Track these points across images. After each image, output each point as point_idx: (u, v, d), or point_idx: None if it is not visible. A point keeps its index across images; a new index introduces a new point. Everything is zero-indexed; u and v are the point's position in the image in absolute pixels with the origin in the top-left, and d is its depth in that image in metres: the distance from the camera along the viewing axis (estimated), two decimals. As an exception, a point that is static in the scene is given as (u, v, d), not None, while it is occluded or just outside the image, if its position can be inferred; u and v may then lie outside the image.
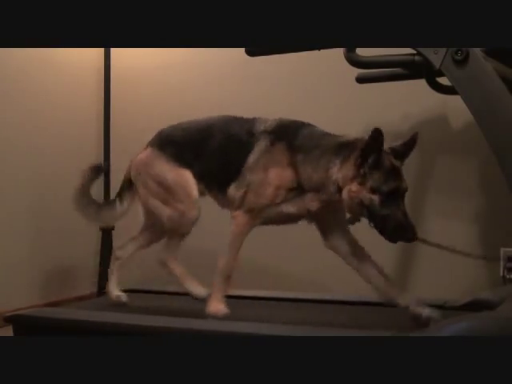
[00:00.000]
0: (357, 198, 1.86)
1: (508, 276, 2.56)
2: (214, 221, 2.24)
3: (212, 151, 2.13)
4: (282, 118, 2.09)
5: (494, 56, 2.00)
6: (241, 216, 2.03)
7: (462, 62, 1.89)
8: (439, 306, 2.20)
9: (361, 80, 2.52)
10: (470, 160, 2.71)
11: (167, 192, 2.17)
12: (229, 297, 2.08)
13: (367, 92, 2.67)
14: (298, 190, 1.98)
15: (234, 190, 2.07)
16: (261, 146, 2.03)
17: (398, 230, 1.84)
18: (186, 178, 2.16)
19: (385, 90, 2.63)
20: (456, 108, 2.43)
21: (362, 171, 1.85)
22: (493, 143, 1.91)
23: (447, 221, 2.72)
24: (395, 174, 1.86)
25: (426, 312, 1.91)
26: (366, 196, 1.84)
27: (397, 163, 1.88)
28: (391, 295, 1.99)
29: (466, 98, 1.93)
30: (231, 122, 2.15)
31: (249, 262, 2.19)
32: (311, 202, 1.98)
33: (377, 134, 1.81)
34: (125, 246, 2.39)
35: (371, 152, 1.83)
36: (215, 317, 2.00)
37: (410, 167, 1.99)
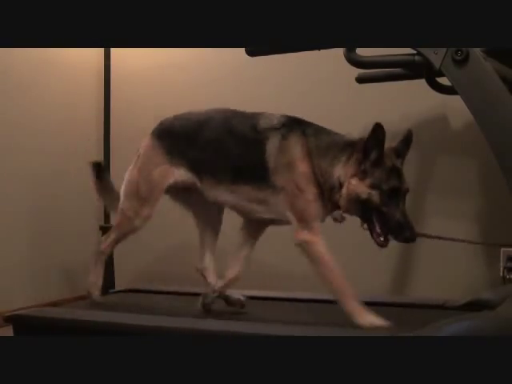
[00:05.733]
0: (354, 193, 1.86)
1: (508, 276, 2.55)
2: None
3: (211, 144, 2.11)
4: (288, 115, 2.06)
5: (494, 56, 2.00)
6: (310, 237, 1.94)
7: (462, 62, 1.89)
8: (439, 306, 2.21)
9: (361, 80, 2.52)
10: (470, 160, 2.71)
11: (138, 186, 2.18)
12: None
13: (367, 92, 2.67)
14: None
15: (262, 195, 2.02)
16: (274, 143, 2.00)
17: (397, 229, 1.84)
18: (164, 181, 2.16)
19: (385, 90, 2.63)
20: (456, 108, 2.43)
21: (362, 167, 1.85)
22: (493, 143, 1.91)
23: (447, 221, 2.71)
24: (396, 173, 1.87)
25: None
26: (365, 191, 1.85)
27: (398, 163, 1.89)
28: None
29: (466, 98, 1.93)
30: (233, 115, 2.14)
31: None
32: None
33: (378, 128, 1.82)
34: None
35: (373, 147, 1.84)
36: (373, 328, 1.83)
37: (410, 167, 1.99)
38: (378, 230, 1.86)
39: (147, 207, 2.17)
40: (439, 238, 2.00)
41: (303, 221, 1.95)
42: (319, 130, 2.01)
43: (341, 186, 1.90)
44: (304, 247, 1.95)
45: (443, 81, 2.27)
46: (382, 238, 1.87)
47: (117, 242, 2.29)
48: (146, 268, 3.15)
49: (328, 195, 1.95)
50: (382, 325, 1.83)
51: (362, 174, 1.85)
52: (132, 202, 2.20)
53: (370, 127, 1.83)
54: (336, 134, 2.01)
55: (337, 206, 1.96)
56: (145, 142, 2.25)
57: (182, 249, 2.50)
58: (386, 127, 1.83)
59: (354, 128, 2.70)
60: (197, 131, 2.15)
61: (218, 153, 2.10)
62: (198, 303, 2.18)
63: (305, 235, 1.94)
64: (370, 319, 1.85)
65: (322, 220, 2.01)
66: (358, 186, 1.86)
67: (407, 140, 1.94)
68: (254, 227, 2.17)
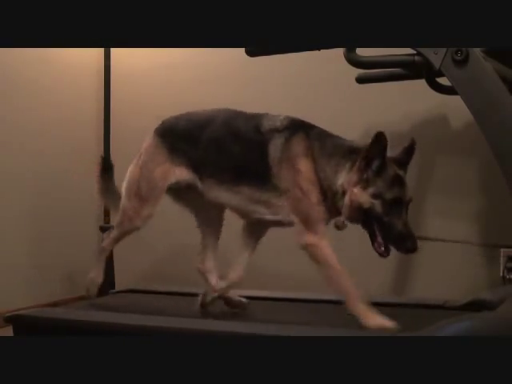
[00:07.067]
0: (356, 202, 1.85)
1: (508, 276, 2.56)
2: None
3: (212, 144, 2.11)
4: (291, 116, 2.05)
5: (494, 56, 2.00)
6: (315, 240, 1.93)
7: (462, 62, 1.90)
8: (439, 306, 2.21)
9: (361, 80, 2.52)
10: (470, 160, 2.71)
11: (139, 185, 2.18)
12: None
13: (367, 92, 2.67)
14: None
15: (265, 196, 2.01)
16: (277, 145, 1.98)
17: (398, 240, 1.82)
18: (165, 180, 2.15)
19: (385, 90, 2.63)
20: (456, 108, 2.43)
21: (365, 176, 1.84)
22: (493, 143, 1.91)
23: (447, 221, 2.71)
24: (399, 182, 1.85)
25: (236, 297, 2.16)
26: (367, 200, 1.83)
27: (400, 172, 1.87)
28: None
29: (466, 98, 1.93)
30: (235, 115, 2.14)
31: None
32: None
33: (380, 137, 1.81)
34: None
35: (375, 156, 1.83)
36: (383, 330, 1.80)
37: (409, 167, 1.98)
38: (379, 239, 1.85)
39: (148, 207, 2.17)
40: (440, 240, 2.00)
41: (307, 223, 1.94)
42: (322, 134, 2.00)
43: (343, 193, 1.89)
44: (309, 250, 1.94)
45: (443, 81, 2.27)
46: (382, 248, 1.85)
47: (117, 240, 2.29)
48: (146, 268, 3.15)
49: (331, 200, 1.94)
50: (389, 326, 1.80)
51: (364, 183, 1.84)
52: (133, 202, 2.19)
53: (372, 132, 1.82)
54: (339, 138, 1.99)
55: (339, 212, 1.94)
56: (147, 140, 2.25)
57: (182, 249, 2.50)
58: (386, 127, 1.83)
59: (354, 128, 2.72)
60: (199, 131, 2.15)
61: (219, 153, 2.10)
62: (196, 303, 2.18)
63: (309, 238, 1.93)
64: (377, 321, 1.83)
65: (326, 223, 1.99)
66: (360, 195, 1.84)
67: (410, 149, 1.92)
68: (255, 229, 2.17)
